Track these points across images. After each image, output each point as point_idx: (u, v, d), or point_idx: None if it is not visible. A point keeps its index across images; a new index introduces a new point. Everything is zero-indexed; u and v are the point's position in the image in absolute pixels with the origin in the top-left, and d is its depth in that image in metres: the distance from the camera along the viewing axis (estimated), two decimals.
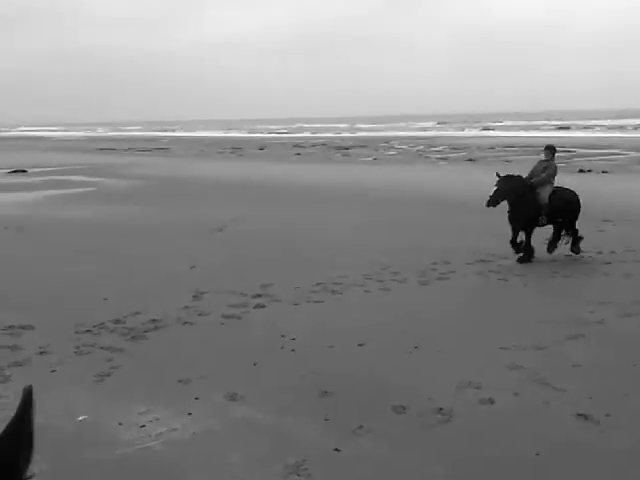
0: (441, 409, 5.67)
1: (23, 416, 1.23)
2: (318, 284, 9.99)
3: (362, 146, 60.40)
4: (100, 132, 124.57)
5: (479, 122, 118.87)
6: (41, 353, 7.13)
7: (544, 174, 11.91)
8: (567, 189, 12.23)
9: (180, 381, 6.31)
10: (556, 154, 12.43)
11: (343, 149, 56.33)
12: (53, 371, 6.64)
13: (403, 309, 8.81)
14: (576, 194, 12.16)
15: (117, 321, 8.21)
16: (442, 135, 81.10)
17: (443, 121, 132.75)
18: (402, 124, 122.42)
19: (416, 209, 17.68)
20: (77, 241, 13.76)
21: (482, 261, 11.44)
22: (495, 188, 11.79)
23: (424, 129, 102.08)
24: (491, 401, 5.86)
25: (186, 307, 8.87)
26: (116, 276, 10.61)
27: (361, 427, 5.34)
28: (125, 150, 54.06)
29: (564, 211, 11.87)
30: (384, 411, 5.66)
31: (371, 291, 9.69)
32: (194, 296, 9.39)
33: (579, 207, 12.04)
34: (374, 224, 15.50)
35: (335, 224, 15.57)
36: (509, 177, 11.92)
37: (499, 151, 48.03)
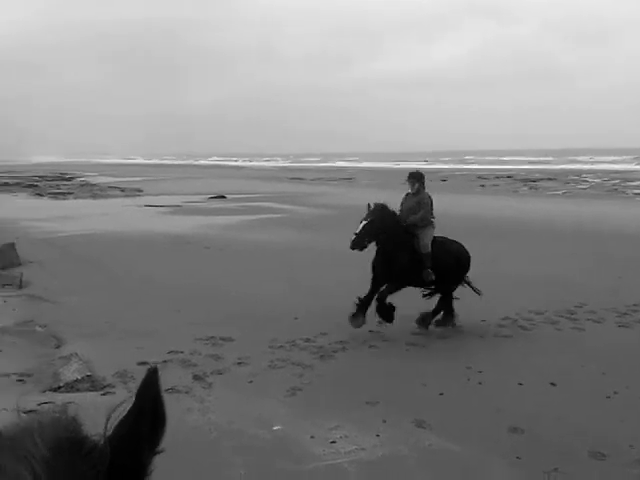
0: None
1: (143, 406, 1.00)
2: (505, 318, 9.71)
3: (550, 179, 57.76)
4: (281, 162, 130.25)
5: None
6: (239, 364, 7.65)
7: (421, 212, 9.00)
8: (453, 241, 9.52)
9: (368, 402, 6.44)
10: (425, 182, 9.37)
11: (530, 182, 54.26)
12: (250, 381, 7.08)
13: (599, 351, 8.27)
14: (465, 249, 9.47)
15: (307, 340, 8.57)
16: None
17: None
18: (586, 157, 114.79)
19: (617, 246, 16.50)
20: (270, 263, 14.57)
21: None
22: (364, 222, 8.79)
23: (616, 162, 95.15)
24: None
25: (371, 331, 9.04)
26: (308, 297, 11.05)
27: (556, 470, 5.09)
28: (312, 180, 56.42)
29: (450, 268, 9.09)
30: (581, 455, 5.35)
31: (563, 330, 9.22)
32: (379, 321, 9.54)
33: (468, 267, 9.44)
34: (565, 258, 14.73)
35: (517, 257, 15.00)
36: (384, 208, 8.93)
37: None
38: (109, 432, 0.99)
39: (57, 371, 7.31)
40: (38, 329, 8.82)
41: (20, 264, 13.29)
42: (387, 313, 8.95)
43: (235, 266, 14.19)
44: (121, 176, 61.60)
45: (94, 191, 39.56)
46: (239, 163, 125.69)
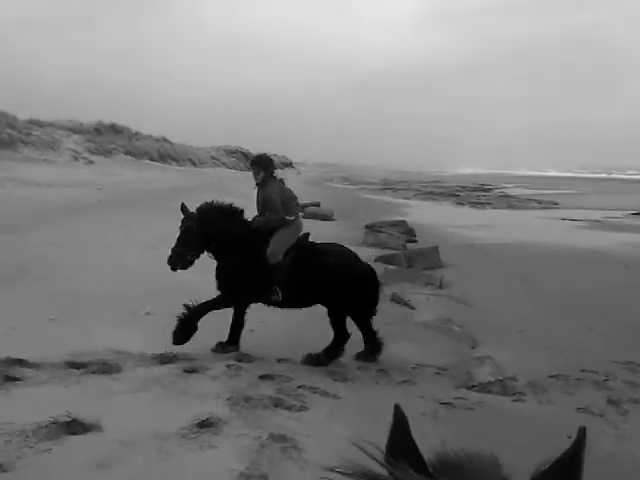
0: None
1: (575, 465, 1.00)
2: None
3: None
4: None
5: None
6: None
7: (268, 213, 6.85)
8: (337, 245, 7.27)
9: None
10: (275, 170, 7.07)
11: None
12: None
13: None
14: (363, 264, 7.10)
15: None
16: None
17: None
18: None
19: None
20: None
21: None
22: (181, 229, 6.81)
23: None
24: None
25: None
26: None
27: None
28: None
29: (333, 286, 6.76)
30: None
31: None
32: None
33: (365, 289, 6.99)
34: None
35: None
36: (209, 209, 6.79)
37: None
38: None
39: (471, 370, 7.72)
40: (455, 328, 9.44)
41: (442, 266, 14.39)
42: (184, 331, 6.69)
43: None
44: (536, 188, 61.47)
45: (511, 202, 40.36)
46: None
